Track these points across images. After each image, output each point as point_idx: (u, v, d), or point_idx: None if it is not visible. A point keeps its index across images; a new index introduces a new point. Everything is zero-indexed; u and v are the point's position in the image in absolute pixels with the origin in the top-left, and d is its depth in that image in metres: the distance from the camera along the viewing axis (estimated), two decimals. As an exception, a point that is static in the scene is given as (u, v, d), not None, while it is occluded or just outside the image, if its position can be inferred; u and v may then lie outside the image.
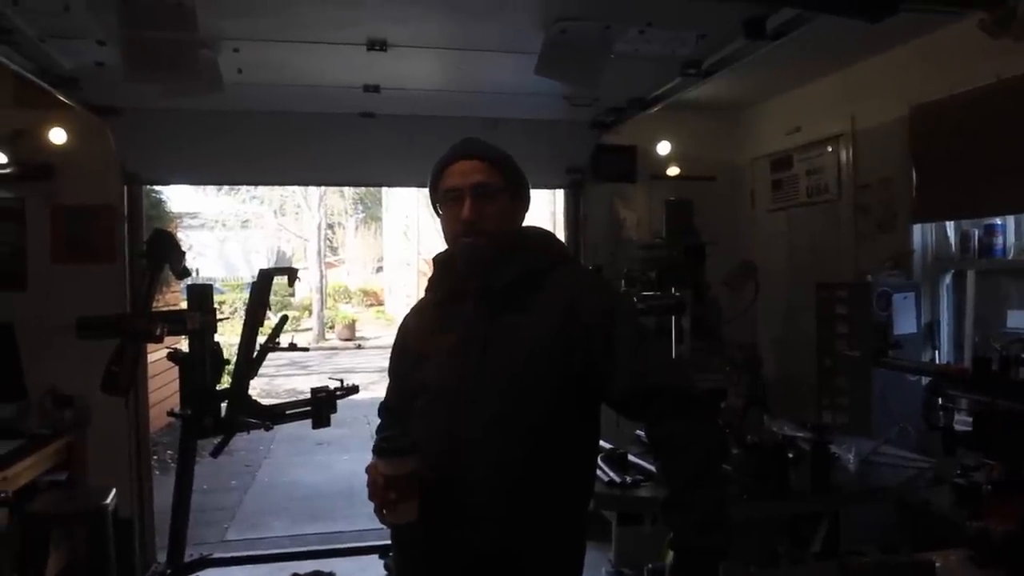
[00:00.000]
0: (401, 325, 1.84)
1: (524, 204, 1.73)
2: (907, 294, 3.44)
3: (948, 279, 3.56)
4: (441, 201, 1.68)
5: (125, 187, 4.16)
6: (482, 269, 1.64)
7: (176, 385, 3.95)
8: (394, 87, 3.64)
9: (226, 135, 4.07)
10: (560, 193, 4.93)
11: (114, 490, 3.45)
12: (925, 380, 3.15)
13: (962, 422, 2.90)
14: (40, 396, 3.91)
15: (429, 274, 1.82)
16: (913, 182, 3.45)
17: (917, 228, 3.55)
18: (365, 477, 1.58)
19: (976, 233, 3.37)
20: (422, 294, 1.85)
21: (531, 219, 1.78)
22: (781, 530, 3.08)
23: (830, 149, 4.08)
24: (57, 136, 3.94)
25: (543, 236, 1.76)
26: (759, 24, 2.72)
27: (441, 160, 1.68)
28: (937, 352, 3.53)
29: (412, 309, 1.84)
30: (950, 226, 3.52)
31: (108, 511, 3.33)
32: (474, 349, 1.61)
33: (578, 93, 3.69)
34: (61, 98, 3.46)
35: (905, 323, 3.41)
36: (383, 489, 1.52)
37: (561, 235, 4.67)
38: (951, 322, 3.57)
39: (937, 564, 1.62)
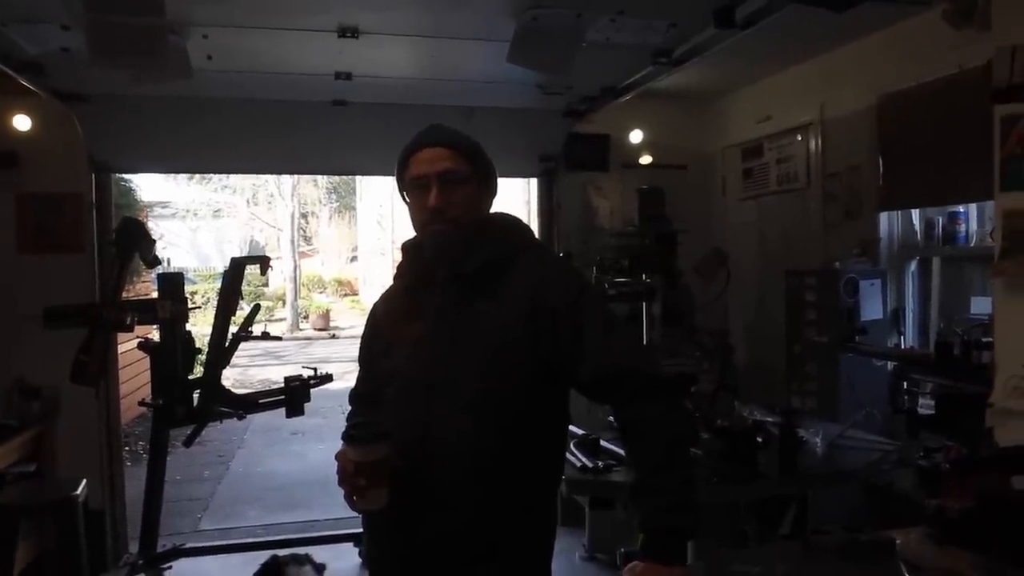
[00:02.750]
0: (370, 312, 1.83)
1: (491, 191, 1.73)
2: (874, 281, 3.50)
3: (913, 266, 3.63)
4: (408, 189, 1.68)
5: (93, 175, 4.10)
6: (449, 256, 1.64)
7: (148, 375, 3.92)
8: (366, 75, 3.62)
9: (197, 123, 4.03)
10: (533, 181, 4.94)
11: (84, 481, 3.42)
12: (891, 365, 3.21)
13: (926, 405, 2.97)
14: (7, 387, 3.86)
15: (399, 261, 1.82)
16: (880, 170, 3.51)
17: (884, 216, 3.61)
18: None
19: (940, 221, 3.44)
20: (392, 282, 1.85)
21: (505, 207, 1.78)
22: (750, 513, 3.13)
23: (799, 138, 4.13)
24: (21, 123, 3.88)
25: (511, 222, 1.76)
26: (729, 13, 2.74)
27: (407, 147, 1.67)
28: (903, 337, 3.60)
29: (381, 296, 1.83)
30: (915, 214, 3.59)
31: (78, 502, 3.30)
32: (442, 337, 1.62)
33: (550, 81, 3.70)
34: (25, 84, 3.40)
35: (872, 309, 3.48)
36: (353, 476, 1.52)
37: (534, 223, 4.70)
38: (916, 308, 3.64)
39: (897, 541, 1.67)
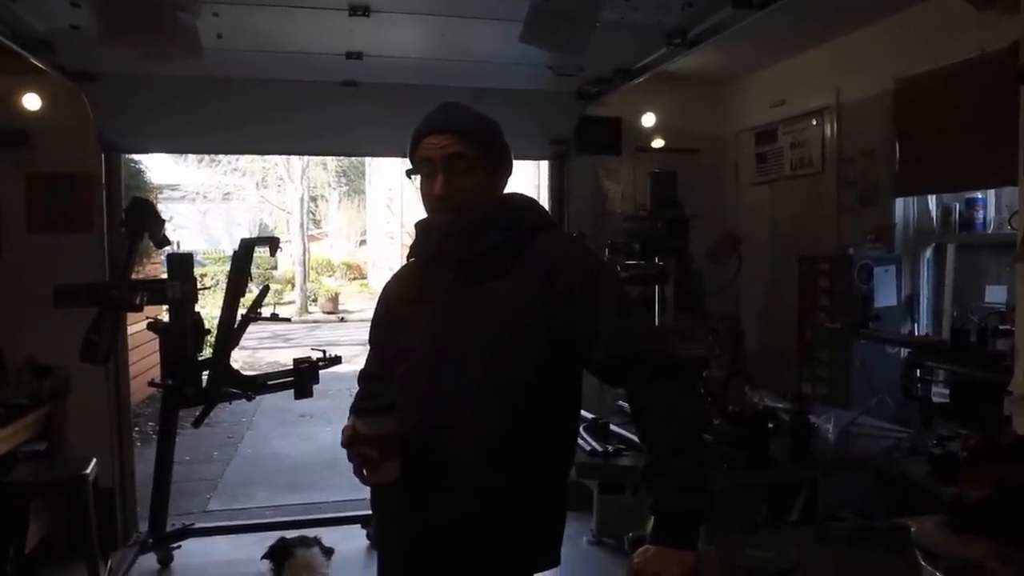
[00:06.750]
0: (382, 291, 1.82)
1: (504, 173, 1.70)
2: (888, 267, 3.45)
3: (929, 253, 3.58)
4: (417, 169, 1.66)
5: (103, 155, 4.08)
6: (457, 244, 1.62)
7: (157, 356, 3.93)
8: (377, 55, 3.58)
9: (207, 103, 4.01)
10: (544, 164, 4.91)
11: (95, 459, 3.43)
12: (904, 352, 3.18)
13: (939, 393, 2.94)
14: (18, 366, 3.87)
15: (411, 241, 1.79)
16: (896, 155, 3.46)
17: (899, 201, 3.55)
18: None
19: (957, 207, 3.39)
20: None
21: (514, 190, 1.75)
22: (760, 499, 3.12)
23: (814, 122, 4.07)
24: (31, 102, 3.86)
25: (525, 202, 1.74)
26: (746, -8, 2.70)
27: (418, 128, 1.65)
28: (916, 324, 3.56)
29: (393, 275, 1.82)
30: (932, 200, 3.54)
31: (88, 480, 3.31)
32: (453, 316, 1.60)
33: (563, 62, 3.66)
34: (34, 62, 3.37)
35: (886, 296, 3.44)
36: (362, 448, 1.50)
37: (545, 206, 4.66)
38: (931, 295, 3.60)
39: (912, 529, 1.64)
